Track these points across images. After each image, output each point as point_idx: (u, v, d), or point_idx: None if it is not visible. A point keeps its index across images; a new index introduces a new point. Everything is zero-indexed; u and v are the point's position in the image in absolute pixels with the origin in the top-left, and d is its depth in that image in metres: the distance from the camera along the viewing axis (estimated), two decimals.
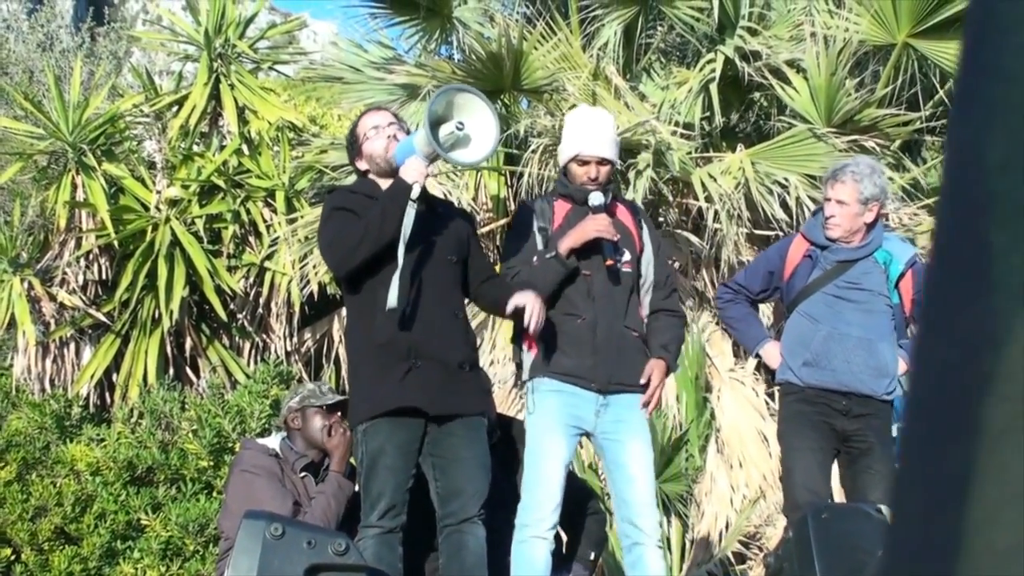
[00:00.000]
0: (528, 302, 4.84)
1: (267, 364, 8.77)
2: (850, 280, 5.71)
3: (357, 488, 5.40)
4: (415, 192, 4.70)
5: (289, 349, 9.55)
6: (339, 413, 5.59)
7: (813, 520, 4.15)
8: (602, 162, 5.22)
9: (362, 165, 5.12)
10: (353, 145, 5.17)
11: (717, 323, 8.52)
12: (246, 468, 5.35)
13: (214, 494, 7.93)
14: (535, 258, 5.15)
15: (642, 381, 5.19)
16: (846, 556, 4.06)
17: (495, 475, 4.94)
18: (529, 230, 5.24)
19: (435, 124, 4.71)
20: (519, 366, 5.28)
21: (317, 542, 4.04)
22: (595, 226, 5.09)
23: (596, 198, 5.16)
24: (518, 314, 4.91)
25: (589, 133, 5.23)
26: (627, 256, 5.22)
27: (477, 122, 4.74)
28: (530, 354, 5.18)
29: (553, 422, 5.07)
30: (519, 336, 5.28)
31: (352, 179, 9.09)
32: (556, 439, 5.06)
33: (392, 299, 4.67)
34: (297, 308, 9.36)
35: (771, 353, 5.89)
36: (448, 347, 4.88)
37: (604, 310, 5.13)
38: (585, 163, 5.22)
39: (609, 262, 5.11)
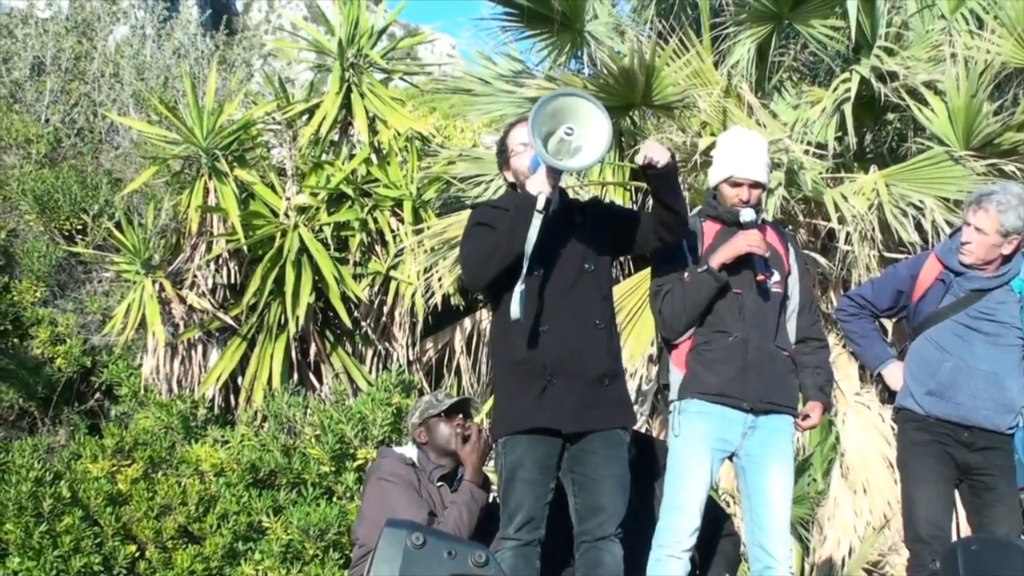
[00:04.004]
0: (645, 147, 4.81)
1: (389, 372, 8.81)
2: (983, 310, 5.57)
3: (491, 498, 5.40)
4: (540, 203, 4.68)
5: (411, 358, 9.59)
6: (460, 415, 5.57)
7: (963, 551, 4.06)
8: (755, 185, 5.19)
9: (509, 177, 5.12)
10: (502, 155, 5.17)
11: (844, 346, 8.38)
12: (383, 476, 5.36)
13: (335, 499, 7.98)
14: (686, 274, 5.12)
15: (803, 425, 5.26)
16: None
17: (630, 494, 4.90)
18: (679, 249, 5.20)
19: (548, 134, 4.66)
20: (666, 387, 5.24)
21: (458, 553, 4.03)
22: (747, 241, 5.06)
23: (748, 214, 5.13)
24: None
25: (744, 156, 5.20)
26: (776, 276, 5.17)
27: (587, 124, 4.67)
28: (678, 374, 5.15)
29: (699, 446, 5.04)
30: (665, 358, 5.26)
31: (479, 190, 9.21)
32: (700, 464, 5.03)
33: (515, 310, 4.67)
34: (420, 318, 9.39)
35: (894, 375, 5.77)
36: (586, 361, 4.84)
37: (755, 328, 5.10)
38: (737, 185, 5.19)
39: (760, 277, 5.08)
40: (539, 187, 4.72)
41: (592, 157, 4.73)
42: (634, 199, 9.44)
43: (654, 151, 4.75)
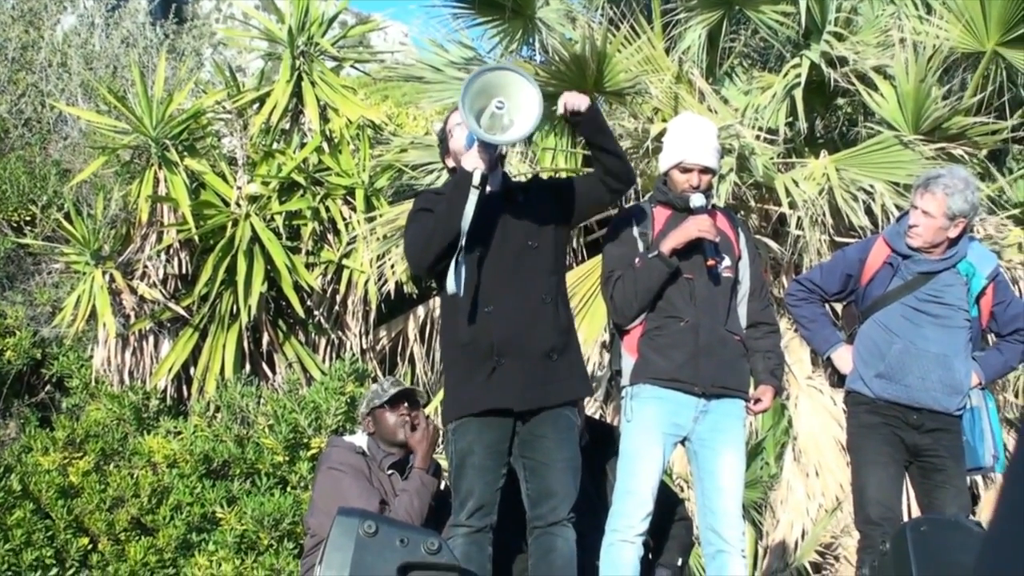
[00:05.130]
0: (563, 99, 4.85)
1: (343, 361, 8.78)
2: (931, 293, 5.60)
3: (443, 485, 5.40)
4: (476, 178, 4.67)
5: (364, 347, 9.56)
6: (406, 404, 5.56)
7: (912, 533, 4.09)
8: (704, 170, 5.20)
9: (450, 162, 5.11)
10: (443, 142, 5.16)
11: (796, 330, 8.43)
12: (333, 466, 5.35)
13: (289, 489, 7.96)
14: (637, 260, 5.13)
15: (755, 409, 5.29)
16: (945, 570, 4.00)
17: (583, 479, 4.91)
18: (629, 235, 5.22)
19: (480, 110, 4.66)
20: (618, 373, 5.25)
21: (410, 540, 4.04)
22: (697, 226, 5.07)
23: (698, 199, 5.14)
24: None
25: (693, 141, 5.21)
26: (727, 261, 5.19)
27: (518, 97, 4.66)
28: (630, 359, 5.16)
29: (651, 431, 5.05)
30: (617, 344, 5.27)
31: (431, 178, 9.18)
32: (653, 448, 5.04)
33: (451, 284, 4.66)
34: (373, 306, 9.37)
35: (843, 358, 5.80)
36: (533, 338, 4.83)
37: (706, 313, 5.11)
38: (687, 171, 5.20)
39: (710, 262, 5.09)
40: (474, 163, 4.71)
41: (524, 130, 4.73)
42: None
43: (573, 99, 4.79)
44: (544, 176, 8.28)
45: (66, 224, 9.17)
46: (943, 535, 4.13)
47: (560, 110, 4.84)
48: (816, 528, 8.14)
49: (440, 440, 5.36)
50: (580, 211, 5.18)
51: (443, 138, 5.17)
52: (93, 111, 10.99)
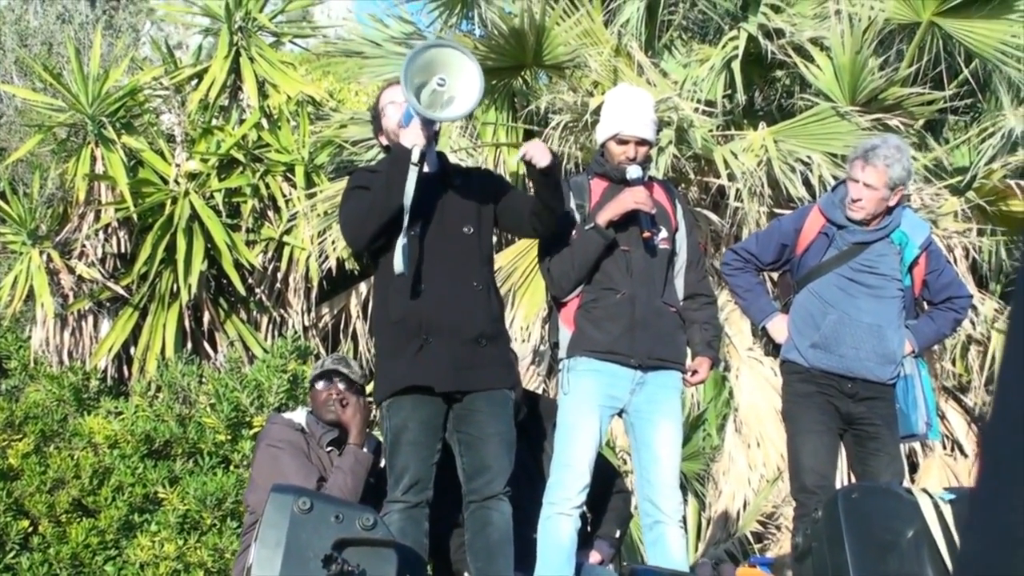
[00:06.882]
0: (528, 145, 4.80)
1: (285, 339, 8.75)
2: (865, 263, 5.64)
3: (382, 463, 5.39)
4: (415, 155, 4.65)
5: (307, 324, 9.54)
6: (339, 382, 5.51)
7: (843, 500, 4.13)
8: (641, 142, 5.21)
9: (384, 140, 5.09)
10: (375, 120, 5.14)
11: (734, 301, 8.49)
12: (272, 442, 5.33)
13: (231, 468, 7.92)
14: (574, 232, 5.14)
15: (691, 380, 5.30)
16: (876, 535, 4.05)
17: (521, 452, 4.92)
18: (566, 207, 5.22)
19: (420, 86, 4.65)
20: (555, 345, 5.26)
21: (345, 516, 4.04)
22: (633, 197, 5.08)
23: (634, 171, 5.15)
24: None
25: (630, 113, 5.21)
26: (663, 233, 5.21)
27: (459, 74, 4.65)
28: (567, 332, 5.17)
29: (588, 403, 5.07)
30: (555, 316, 5.29)
31: (372, 153, 9.15)
32: (590, 421, 5.06)
33: (398, 264, 4.66)
34: (315, 283, 9.35)
35: (779, 328, 5.82)
36: (462, 321, 4.83)
37: (642, 285, 5.13)
38: (624, 142, 5.20)
39: (646, 234, 5.11)
40: (413, 139, 4.69)
41: (465, 107, 4.74)
42: None
43: (534, 151, 4.74)
44: (491, 170, 8.26)
45: (2, 203, 9.08)
46: (875, 501, 4.18)
47: (519, 156, 4.78)
48: (758, 498, 8.22)
49: (377, 417, 5.34)
50: (503, 228, 5.22)
51: (376, 115, 5.15)
52: (28, 89, 10.88)
